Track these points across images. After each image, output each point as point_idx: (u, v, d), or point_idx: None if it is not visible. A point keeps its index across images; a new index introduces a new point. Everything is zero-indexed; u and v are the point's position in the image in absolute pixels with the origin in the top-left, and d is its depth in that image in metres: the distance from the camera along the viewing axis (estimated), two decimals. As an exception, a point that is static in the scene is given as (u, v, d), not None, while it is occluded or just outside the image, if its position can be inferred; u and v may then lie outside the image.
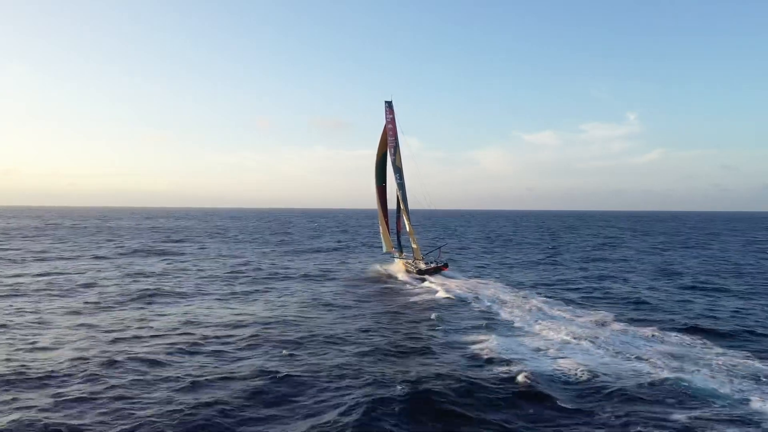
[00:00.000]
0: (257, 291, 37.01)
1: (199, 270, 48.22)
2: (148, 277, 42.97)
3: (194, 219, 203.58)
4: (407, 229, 48.53)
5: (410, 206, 49.01)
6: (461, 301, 33.30)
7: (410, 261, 47.62)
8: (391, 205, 51.14)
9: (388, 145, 48.72)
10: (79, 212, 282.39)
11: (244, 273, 46.92)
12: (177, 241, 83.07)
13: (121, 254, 60.95)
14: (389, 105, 48.88)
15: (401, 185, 48.52)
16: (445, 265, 45.30)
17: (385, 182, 50.95)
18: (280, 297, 34.58)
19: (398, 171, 48.69)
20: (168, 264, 52.37)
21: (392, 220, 51.48)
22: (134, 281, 40.19)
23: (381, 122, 49.48)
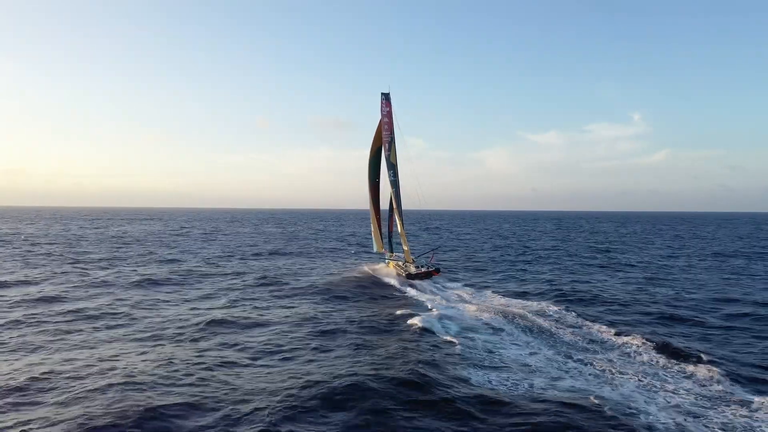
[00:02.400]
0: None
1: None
2: None
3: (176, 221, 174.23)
4: (398, 229, 45.94)
5: (411, 206, 46.66)
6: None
7: (401, 264, 45.07)
8: (385, 203, 48.66)
9: (383, 140, 46.05)
10: (70, 213, 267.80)
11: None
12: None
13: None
14: (386, 97, 46.15)
15: (395, 183, 45.90)
16: (437, 270, 42.99)
17: (379, 179, 48.51)
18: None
19: (392, 168, 46.01)
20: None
21: (386, 219, 49.19)
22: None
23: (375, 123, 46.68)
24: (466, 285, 42.40)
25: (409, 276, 41.74)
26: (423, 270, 42.64)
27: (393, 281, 41.43)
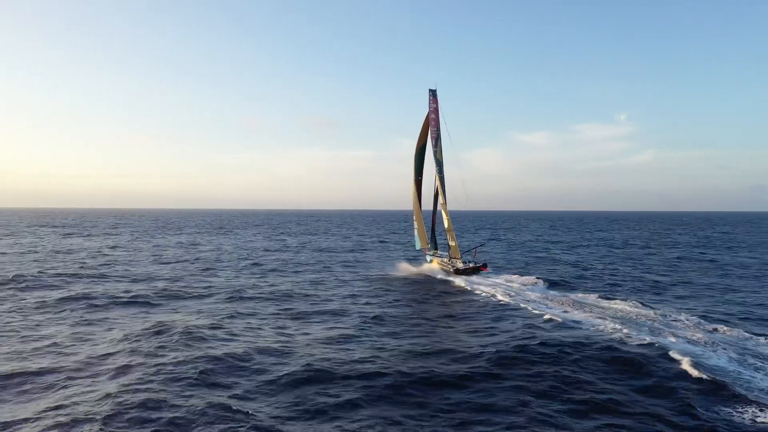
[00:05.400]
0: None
1: None
2: None
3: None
4: (445, 225, 46.14)
5: (455, 207, 47.26)
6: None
7: (446, 260, 45.12)
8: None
9: (430, 136, 46.29)
10: (43, 215, 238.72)
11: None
12: None
13: None
14: (433, 93, 46.48)
15: (442, 179, 46.11)
16: (484, 266, 43.08)
17: (422, 176, 48.56)
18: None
19: (439, 164, 46.34)
20: None
21: (428, 216, 49.41)
22: None
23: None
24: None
25: (458, 271, 41.76)
26: (471, 265, 42.85)
27: (453, 280, 41.09)
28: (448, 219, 46.01)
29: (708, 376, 15.75)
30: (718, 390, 14.86)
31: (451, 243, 45.68)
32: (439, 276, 42.58)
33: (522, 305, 27.82)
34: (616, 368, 17.00)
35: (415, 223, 49.73)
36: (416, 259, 51.11)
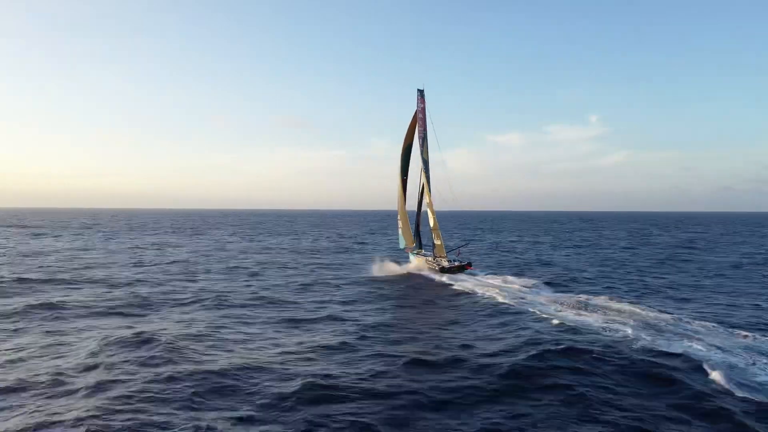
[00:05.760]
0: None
1: None
2: None
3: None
4: (431, 224, 45.36)
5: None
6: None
7: (431, 258, 44.64)
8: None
9: (418, 135, 45.60)
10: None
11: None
12: None
13: None
14: (421, 93, 45.69)
15: (428, 178, 45.28)
16: (469, 264, 43.21)
17: (407, 175, 47.80)
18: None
19: (426, 163, 45.53)
20: None
21: (413, 215, 48.63)
22: None
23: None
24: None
25: (443, 270, 41.68)
26: (456, 264, 42.52)
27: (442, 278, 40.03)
28: (434, 218, 45.18)
29: (761, 397, 14.57)
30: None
31: (437, 242, 45.22)
32: (425, 274, 42.42)
33: (530, 309, 26.47)
34: (652, 383, 15.68)
35: (400, 222, 49.09)
36: (401, 259, 49.94)
